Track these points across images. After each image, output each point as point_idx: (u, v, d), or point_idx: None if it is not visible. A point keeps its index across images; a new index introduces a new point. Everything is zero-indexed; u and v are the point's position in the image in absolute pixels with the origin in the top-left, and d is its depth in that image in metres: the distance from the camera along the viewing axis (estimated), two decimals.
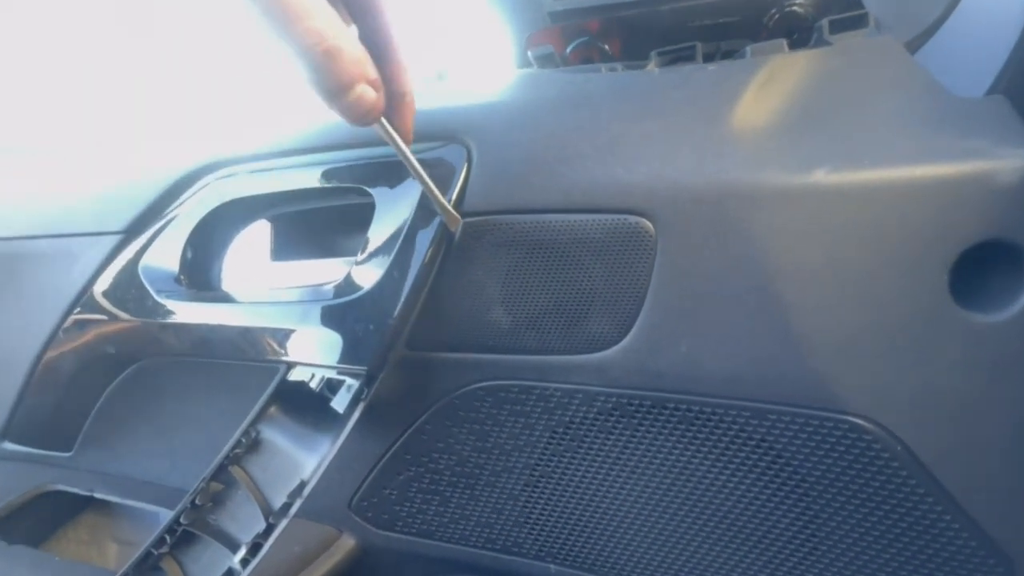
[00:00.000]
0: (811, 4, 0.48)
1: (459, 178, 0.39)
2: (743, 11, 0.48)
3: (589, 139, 0.38)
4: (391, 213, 0.40)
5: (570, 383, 0.42)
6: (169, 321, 0.44)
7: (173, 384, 0.51)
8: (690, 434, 0.41)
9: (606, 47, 0.50)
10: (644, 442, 0.42)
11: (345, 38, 0.26)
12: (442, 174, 0.39)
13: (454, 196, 0.39)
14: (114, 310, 0.46)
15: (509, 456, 0.46)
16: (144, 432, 0.52)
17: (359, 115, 0.28)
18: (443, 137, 0.40)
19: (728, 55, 0.50)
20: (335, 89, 0.27)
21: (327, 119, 0.43)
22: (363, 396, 0.40)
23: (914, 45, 0.45)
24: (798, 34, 0.49)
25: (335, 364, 0.39)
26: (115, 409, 0.52)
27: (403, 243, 0.39)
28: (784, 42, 0.43)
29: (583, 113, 0.39)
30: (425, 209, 0.39)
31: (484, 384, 0.44)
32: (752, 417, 0.39)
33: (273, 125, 0.44)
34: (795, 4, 0.49)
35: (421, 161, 0.41)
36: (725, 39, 0.50)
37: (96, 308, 0.47)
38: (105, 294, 0.46)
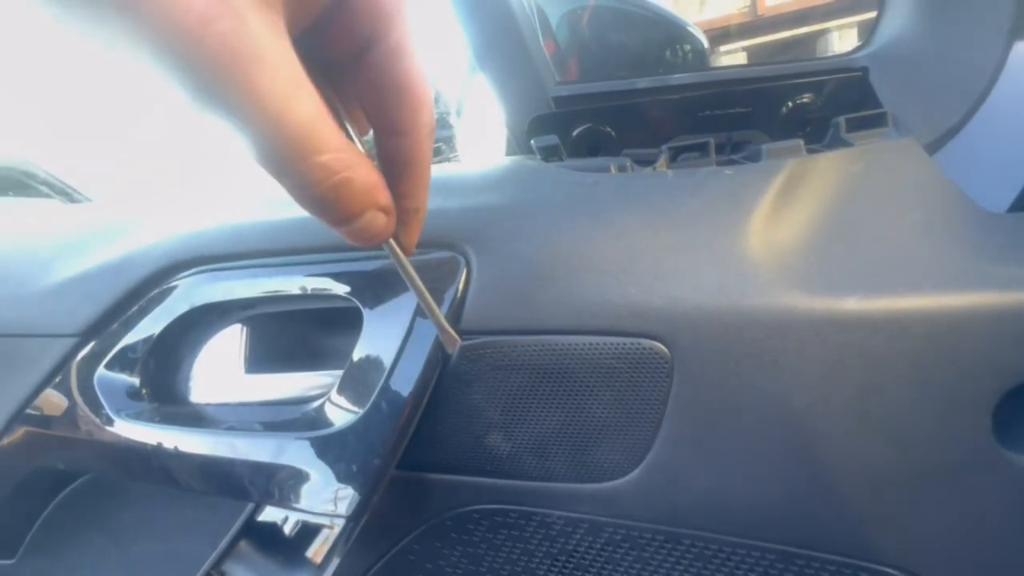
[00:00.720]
0: (825, 98, 0.46)
1: (455, 292, 0.36)
2: (755, 102, 0.46)
3: (600, 253, 0.35)
4: (381, 329, 0.36)
5: (575, 512, 0.38)
6: (124, 442, 0.39)
7: (130, 491, 0.46)
8: (707, 572, 0.37)
9: (611, 132, 0.48)
10: None
11: (357, 167, 0.23)
12: (436, 287, 0.36)
13: (447, 311, 0.35)
14: (64, 423, 0.41)
15: None
16: (97, 541, 0.47)
17: (364, 240, 0.25)
18: (437, 244, 0.37)
19: (738, 147, 0.48)
20: (339, 220, 0.24)
21: (310, 218, 0.39)
22: (344, 542, 0.36)
23: (933, 148, 0.43)
24: (811, 128, 0.47)
25: (310, 509, 0.35)
26: (64, 516, 0.47)
27: (394, 366, 0.35)
28: (801, 143, 0.40)
29: (593, 222, 0.36)
30: (420, 326, 0.35)
31: (480, 507, 0.40)
32: (777, 560, 0.35)
33: (253, 219, 0.40)
34: (805, 98, 0.47)
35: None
36: (735, 129, 0.47)
37: (43, 419, 0.42)
38: (55, 404, 0.41)
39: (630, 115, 0.47)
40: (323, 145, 0.21)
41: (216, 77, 0.19)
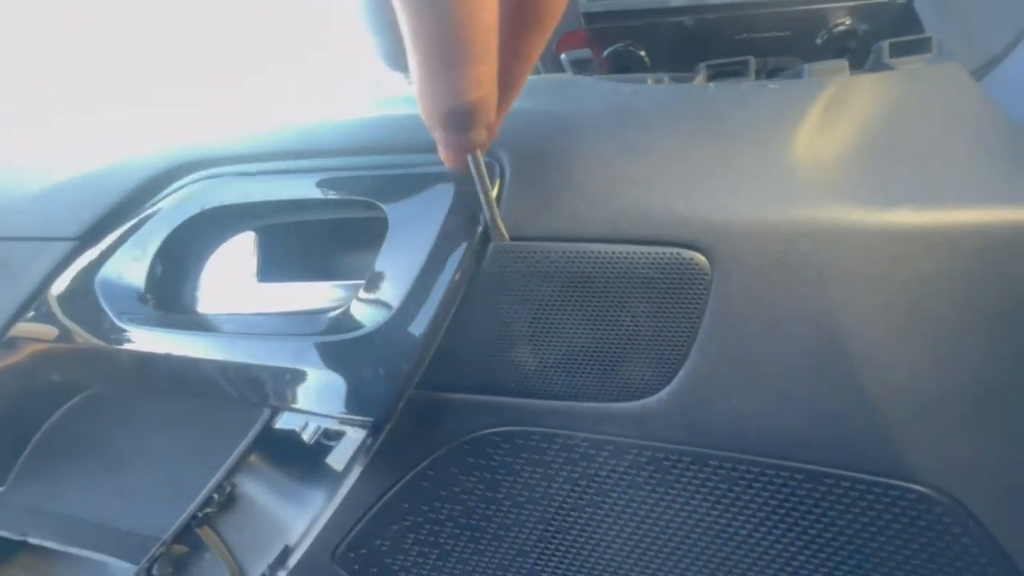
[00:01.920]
0: (866, 24, 0.45)
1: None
2: (795, 26, 0.45)
3: (640, 161, 0.34)
4: (408, 232, 0.34)
5: (600, 433, 0.37)
6: (130, 348, 0.37)
7: (128, 412, 0.44)
8: (732, 494, 0.36)
9: (643, 54, 0.45)
10: (679, 500, 0.38)
11: (493, 84, 0.23)
12: (467, 190, 0.34)
13: (482, 218, 0.33)
14: (62, 331, 0.38)
15: (522, 508, 0.41)
16: (92, 466, 0.45)
17: (460, 150, 0.26)
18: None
19: (774, 73, 0.46)
20: (458, 129, 0.25)
21: (333, 118, 0.37)
22: (366, 451, 0.34)
23: (977, 75, 0.42)
24: (850, 55, 0.46)
25: (334, 413, 0.33)
26: (57, 439, 0.45)
27: (424, 269, 0.33)
28: (846, 63, 0.39)
29: (632, 130, 0.34)
30: (451, 230, 0.33)
31: (500, 429, 0.38)
32: (806, 480, 0.35)
33: (269, 120, 0.38)
34: (845, 22, 0.45)
35: (443, 173, 0.35)
36: (772, 55, 0.46)
37: (39, 328, 0.39)
38: (51, 311, 0.39)
39: (663, 36, 0.45)
40: (487, 56, 0.22)
41: None
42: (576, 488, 0.39)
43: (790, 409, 0.34)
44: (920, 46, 0.41)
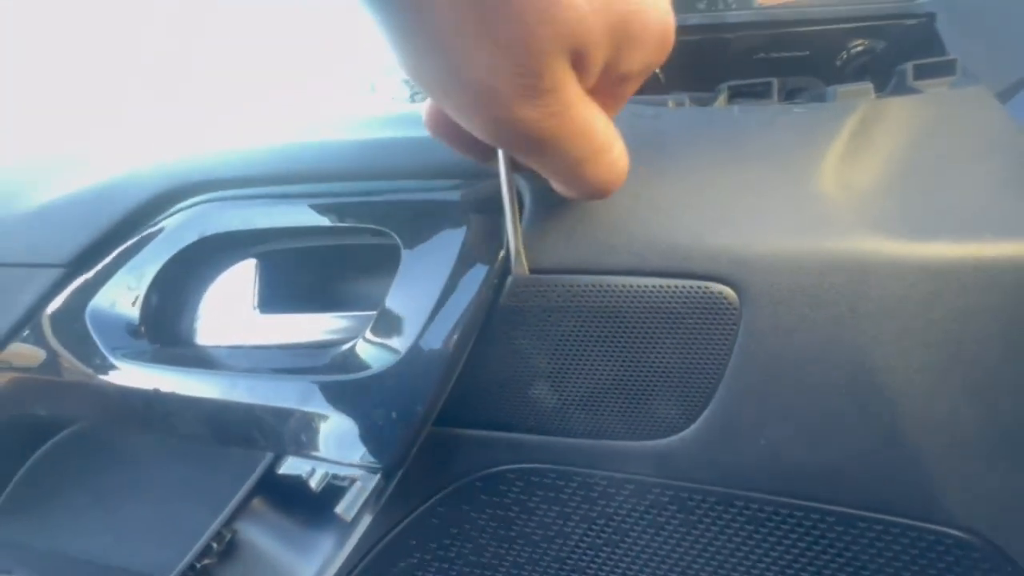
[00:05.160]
0: (888, 44, 0.44)
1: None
2: (813, 46, 0.43)
3: (664, 189, 0.32)
4: (422, 262, 0.32)
5: (621, 472, 0.35)
6: (122, 385, 0.34)
7: (119, 446, 0.42)
8: (759, 536, 0.35)
9: (657, 72, 0.44)
10: (703, 542, 0.36)
11: (622, 147, 0.27)
12: (484, 218, 0.32)
13: (501, 249, 0.32)
14: (50, 363, 0.36)
15: (536, 548, 0.39)
16: (80, 502, 0.42)
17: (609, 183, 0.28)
18: (488, 174, 0.33)
19: (793, 94, 0.45)
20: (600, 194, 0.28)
21: (341, 139, 0.35)
22: (377, 497, 0.32)
23: (1002, 99, 0.41)
24: (870, 76, 0.45)
25: (342, 459, 0.31)
26: (44, 474, 0.42)
27: (439, 303, 0.31)
28: (871, 86, 0.38)
29: (656, 156, 0.33)
30: (468, 261, 0.32)
31: (516, 467, 0.37)
32: (837, 523, 0.33)
33: (273, 141, 0.36)
34: (866, 43, 0.44)
35: (459, 200, 0.34)
36: (791, 75, 0.45)
37: (24, 360, 0.37)
38: (39, 342, 0.36)
39: (679, 54, 0.43)
40: (611, 143, 0.25)
41: (543, 149, 0.23)
42: (594, 528, 0.37)
43: (821, 448, 0.32)
44: (944, 68, 0.40)
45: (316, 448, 0.31)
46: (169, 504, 0.41)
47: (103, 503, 0.43)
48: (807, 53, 0.43)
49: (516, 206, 0.28)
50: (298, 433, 0.31)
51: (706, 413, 0.33)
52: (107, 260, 0.36)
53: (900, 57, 0.42)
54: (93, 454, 0.42)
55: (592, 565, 0.38)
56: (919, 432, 0.31)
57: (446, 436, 0.36)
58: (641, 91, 0.49)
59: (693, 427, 0.33)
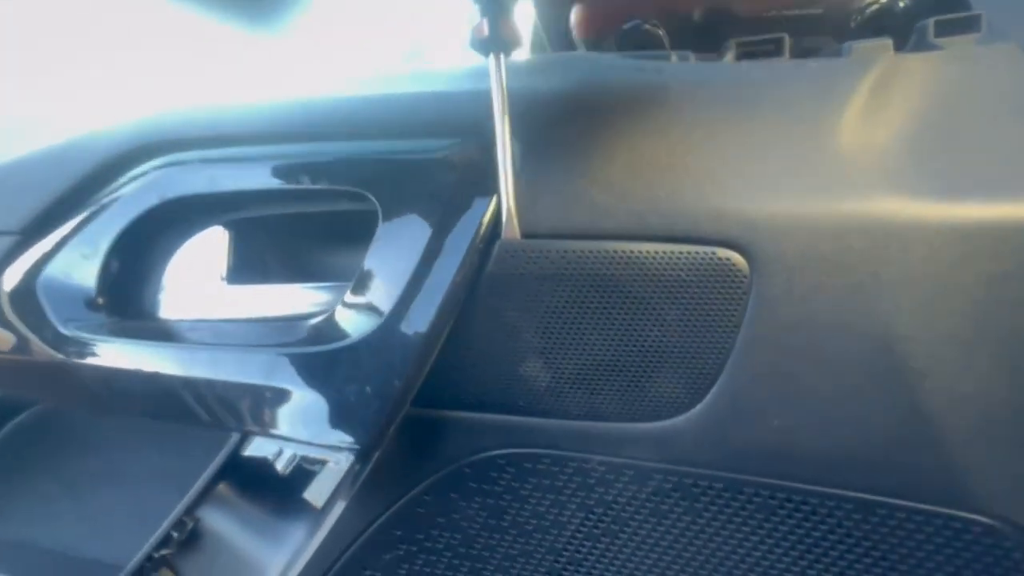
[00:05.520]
0: (906, 5, 0.41)
1: (495, 188, 0.29)
2: (829, 3, 0.41)
3: (668, 147, 0.30)
4: (401, 226, 0.29)
5: (620, 456, 0.33)
6: (76, 361, 0.32)
7: (83, 427, 0.39)
8: (770, 525, 0.32)
9: (661, 33, 0.41)
10: (708, 531, 0.33)
11: None
12: (471, 179, 0.29)
13: (488, 211, 0.29)
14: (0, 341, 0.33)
15: (529, 538, 0.36)
16: (48, 491, 0.40)
17: None
18: (472, 132, 0.30)
19: (806, 54, 0.42)
20: None
21: (317, 96, 0.32)
22: (351, 482, 0.30)
23: None
24: (889, 34, 0.42)
25: (312, 439, 0.28)
26: (6, 461, 0.40)
27: (420, 268, 0.28)
28: (890, 42, 0.35)
29: (659, 112, 0.30)
30: (452, 224, 0.29)
31: (506, 451, 0.34)
32: (855, 511, 0.31)
33: (242, 101, 0.33)
34: (878, 2, 0.42)
35: (442, 160, 0.31)
36: (803, 35, 0.42)
37: None
38: None
39: (685, 12, 0.41)
40: None
41: None
42: (591, 517, 0.35)
43: (838, 429, 0.30)
44: (968, 24, 0.37)
45: (284, 427, 0.29)
46: (134, 488, 0.38)
47: (69, 491, 0.40)
48: (821, 11, 0.41)
49: (511, 161, 0.25)
50: (264, 411, 0.29)
51: (712, 392, 0.30)
52: (63, 227, 0.33)
53: (920, 15, 0.40)
54: (55, 440, 0.39)
55: (589, 557, 0.36)
56: (946, 410, 0.28)
57: (431, 419, 0.34)
58: (639, 49, 0.47)
59: (698, 407, 0.31)
